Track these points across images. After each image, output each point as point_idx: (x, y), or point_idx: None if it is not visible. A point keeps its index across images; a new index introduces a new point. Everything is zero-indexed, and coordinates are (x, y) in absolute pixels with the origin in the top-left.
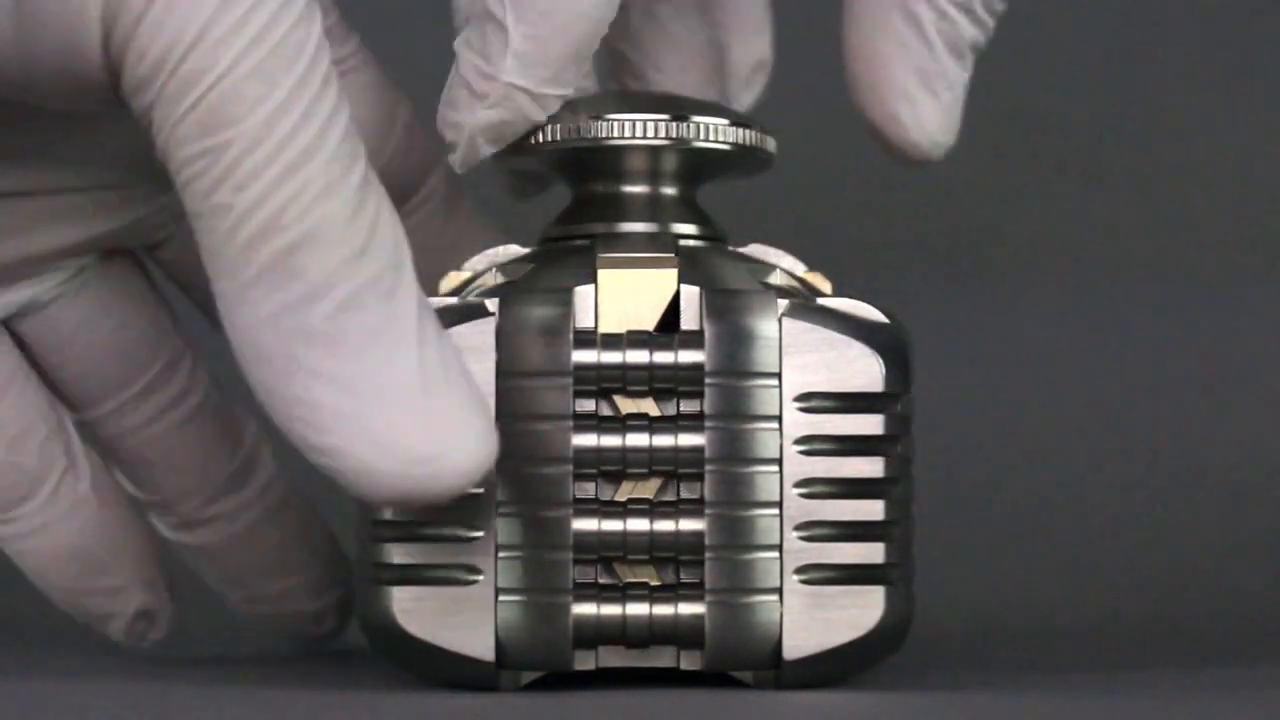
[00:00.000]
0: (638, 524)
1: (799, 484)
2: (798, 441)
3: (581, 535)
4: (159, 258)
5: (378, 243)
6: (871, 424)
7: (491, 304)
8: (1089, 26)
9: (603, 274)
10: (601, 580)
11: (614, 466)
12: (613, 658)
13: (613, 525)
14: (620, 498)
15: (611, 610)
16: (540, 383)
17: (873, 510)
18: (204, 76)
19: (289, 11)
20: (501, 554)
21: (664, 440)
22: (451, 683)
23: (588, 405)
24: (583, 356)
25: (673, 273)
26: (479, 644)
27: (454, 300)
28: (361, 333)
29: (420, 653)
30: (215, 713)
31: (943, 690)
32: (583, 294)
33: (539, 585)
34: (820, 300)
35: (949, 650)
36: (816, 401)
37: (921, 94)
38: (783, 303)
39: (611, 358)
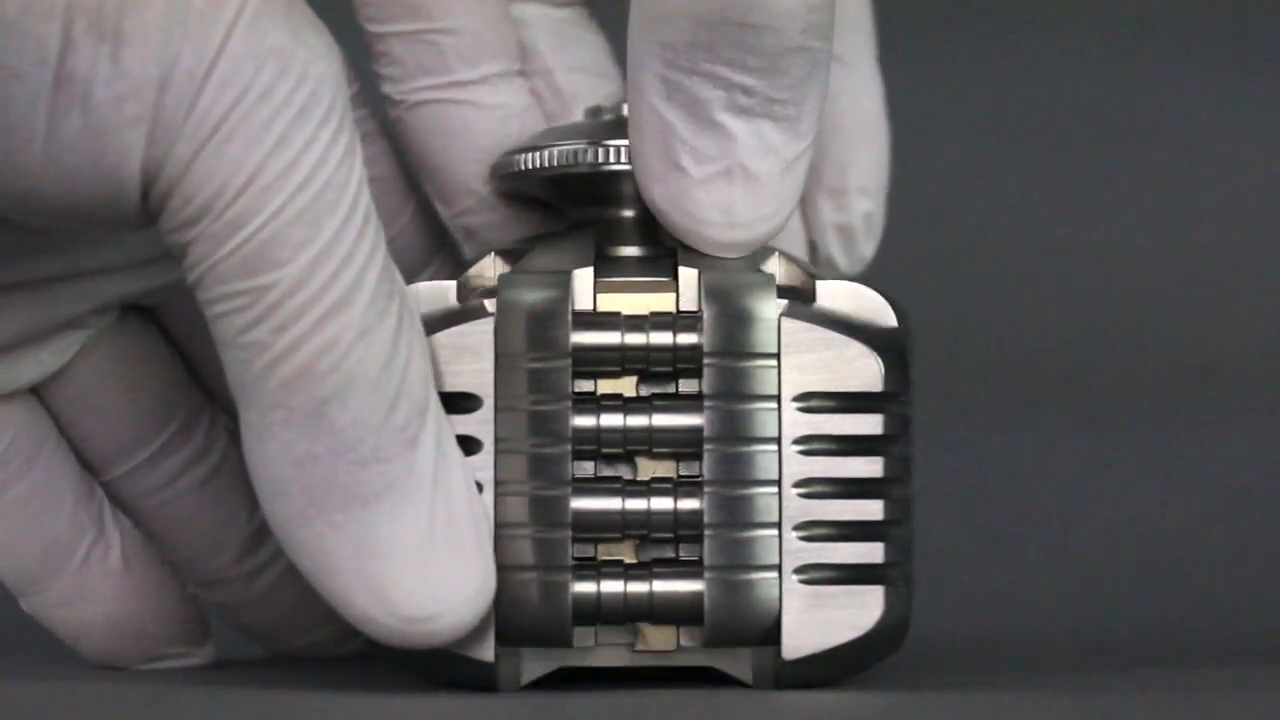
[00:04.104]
0: (641, 503)
1: (798, 484)
2: (797, 441)
3: (580, 514)
4: (169, 311)
5: (408, 387)
6: (870, 424)
7: (491, 304)
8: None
9: (601, 298)
10: (600, 558)
11: (596, 447)
12: (611, 635)
13: (616, 504)
14: (643, 477)
15: (610, 588)
16: (539, 363)
17: (872, 510)
18: (250, 221)
19: (335, 150)
20: (501, 533)
21: (662, 421)
22: (451, 683)
23: (586, 386)
24: (581, 338)
25: (671, 296)
26: (478, 644)
27: (454, 303)
28: (380, 484)
29: (419, 652)
30: (214, 713)
31: (943, 690)
32: (581, 277)
33: (539, 564)
34: (821, 282)
35: (949, 650)
36: (815, 401)
37: (672, 173)
38: (781, 303)
39: (610, 339)
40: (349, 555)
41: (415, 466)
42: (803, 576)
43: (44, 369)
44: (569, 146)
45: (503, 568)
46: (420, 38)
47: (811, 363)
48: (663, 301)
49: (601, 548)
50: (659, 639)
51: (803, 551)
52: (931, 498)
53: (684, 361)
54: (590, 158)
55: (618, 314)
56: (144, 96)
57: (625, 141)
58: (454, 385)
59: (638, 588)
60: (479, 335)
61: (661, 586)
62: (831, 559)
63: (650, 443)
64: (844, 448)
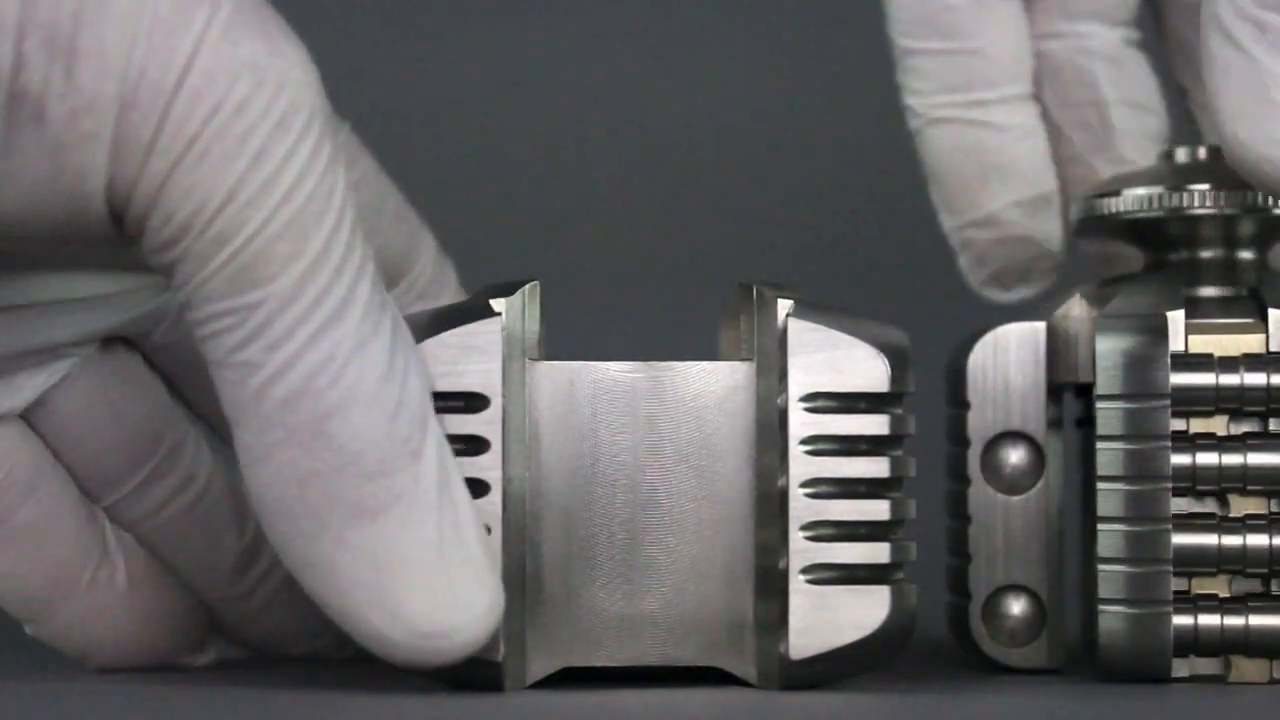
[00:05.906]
0: (1236, 539)
1: (804, 484)
2: (803, 441)
3: (1180, 549)
4: (151, 344)
5: (407, 397)
6: (876, 424)
7: (498, 304)
8: None
9: (1191, 339)
10: (1194, 591)
11: (1190, 485)
12: (1205, 667)
13: (1213, 540)
14: (1235, 514)
15: (1207, 621)
16: (1137, 404)
17: (877, 510)
18: (234, 237)
19: (318, 160)
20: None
21: (1256, 460)
22: (457, 682)
23: (1177, 425)
24: (1178, 380)
25: (1259, 337)
26: (486, 644)
27: (1043, 342)
28: (387, 498)
29: None
30: (214, 713)
31: (944, 690)
32: (1174, 319)
33: (1138, 598)
34: None
35: (951, 650)
36: (822, 401)
37: (1263, 108)
38: (787, 304)
39: (1205, 380)
40: (359, 571)
41: (420, 477)
42: (809, 576)
43: (23, 397)
44: (1152, 191)
45: (1099, 600)
46: (949, 57)
47: (818, 363)
48: (1250, 343)
49: (1194, 581)
50: (1253, 671)
51: (809, 551)
52: (932, 497)
53: (1277, 402)
54: (1173, 202)
55: (1210, 355)
56: (101, 112)
57: (1206, 186)
58: (460, 385)
59: (1234, 621)
60: (486, 334)
61: (1257, 621)
62: (837, 559)
63: (1244, 480)
64: (850, 448)
